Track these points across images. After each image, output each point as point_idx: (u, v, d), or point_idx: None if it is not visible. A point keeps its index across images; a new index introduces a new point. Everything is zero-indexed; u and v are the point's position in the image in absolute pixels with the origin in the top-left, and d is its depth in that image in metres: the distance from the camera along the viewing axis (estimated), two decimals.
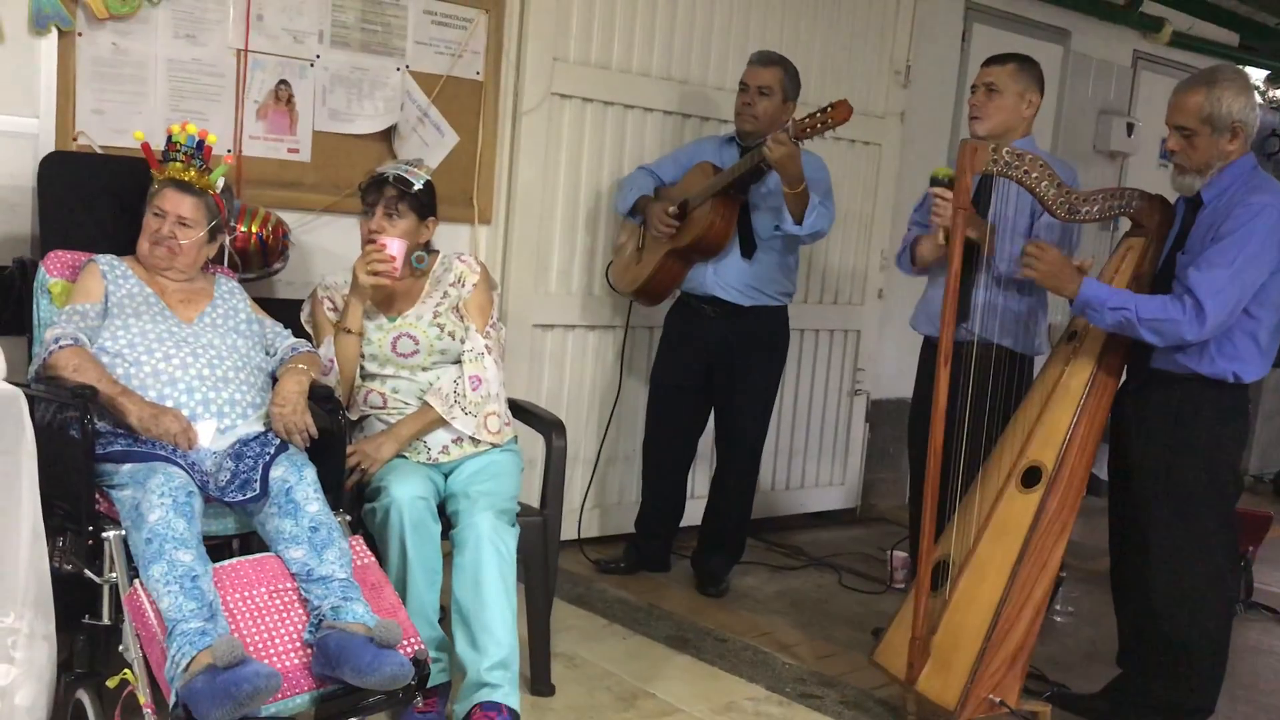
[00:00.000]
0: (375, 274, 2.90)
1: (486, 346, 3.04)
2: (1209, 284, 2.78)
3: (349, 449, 2.86)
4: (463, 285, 3.08)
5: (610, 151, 4.23)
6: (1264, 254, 2.80)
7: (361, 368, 3.04)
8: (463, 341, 3.04)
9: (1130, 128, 6.22)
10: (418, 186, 2.98)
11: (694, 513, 4.34)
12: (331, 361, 2.98)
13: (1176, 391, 2.95)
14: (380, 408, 3.03)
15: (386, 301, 3.04)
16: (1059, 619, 4.05)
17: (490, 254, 4.04)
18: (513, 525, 2.91)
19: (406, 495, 2.79)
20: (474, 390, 3.00)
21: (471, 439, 3.01)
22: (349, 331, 2.99)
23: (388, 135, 3.78)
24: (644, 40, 4.25)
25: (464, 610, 2.79)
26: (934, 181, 3.31)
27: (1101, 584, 3.40)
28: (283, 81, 3.54)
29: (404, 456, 2.99)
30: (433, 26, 3.81)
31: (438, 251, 3.15)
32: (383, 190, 2.98)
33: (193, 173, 2.88)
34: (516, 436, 3.15)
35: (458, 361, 3.03)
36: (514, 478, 3.04)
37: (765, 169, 3.63)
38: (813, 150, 3.96)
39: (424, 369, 3.03)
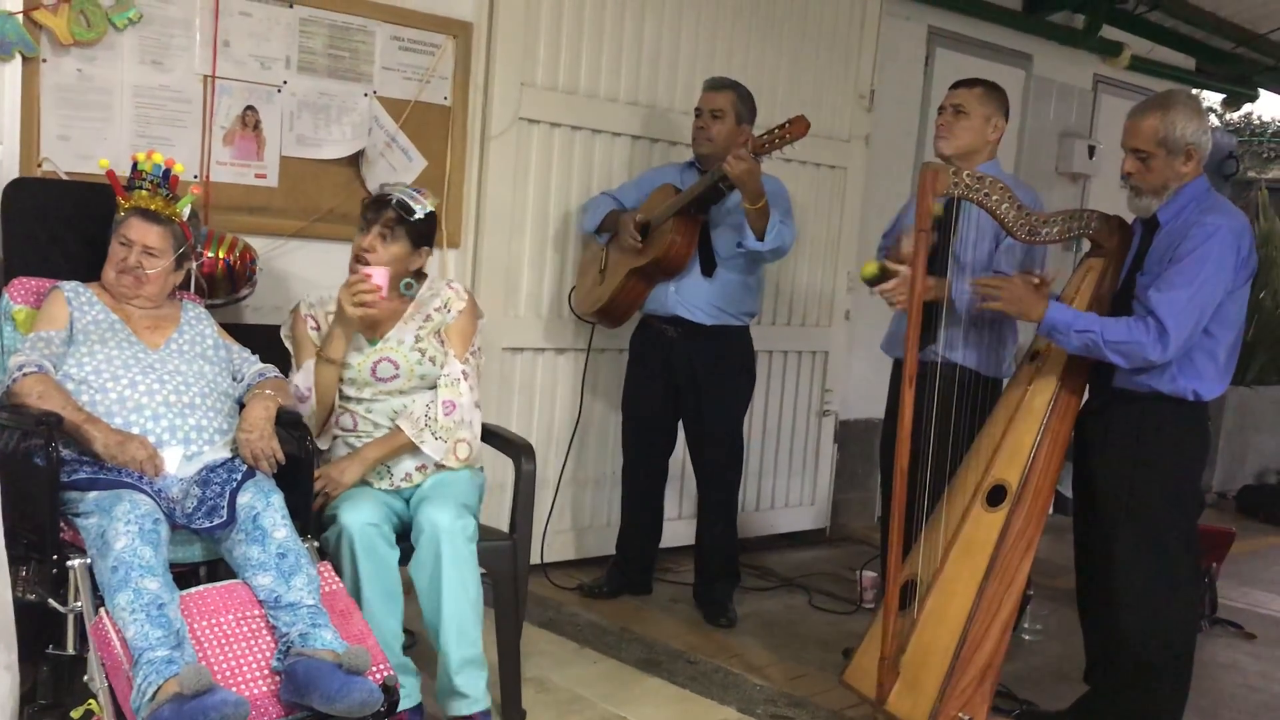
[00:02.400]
0: (361, 304, 2.85)
1: (464, 372, 3.02)
2: (1170, 305, 2.82)
3: (315, 473, 2.85)
4: (448, 311, 3.05)
5: (578, 175, 4.25)
6: (1220, 274, 2.85)
7: (339, 391, 3.01)
8: (442, 366, 3.02)
9: (1091, 150, 6.32)
10: (419, 215, 2.94)
11: (672, 534, 4.35)
12: (309, 390, 2.95)
13: (1138, 409, 2.99)
14: (350, 429, 3.02)
15: (369, 324, 2.99)
16: (1027, 636, 4.08)
17: (459, 277, 4.04)
18: (474, 520, 2.89)
19: (357, 522, 2.77)
20: (446, 415, 2.97)
21: (438, 465, 2.99)
22: (331, 361, 2.94)
23: (355, 160, 3.78)
24: (611, 65, 4.29)
25: (428, 606, 2.81)
26: (866, 281, 3.40)
27: (1069, 601, 3.43)
28: (250, 107, 3.54)
29: (367, 483, 2.98)
30: (400, 52, 3.83)
31: (425, 275, 3.13)
32: (382, 211, 2.93)
33: (159, 201, 2.88)
34: (482, 466, 3.15)
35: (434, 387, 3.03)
36: (474, 490, 3.02)
37: (725, 188, 3.67)
38: (778, 173, 4.00)
39: (401, 392, 3.00)
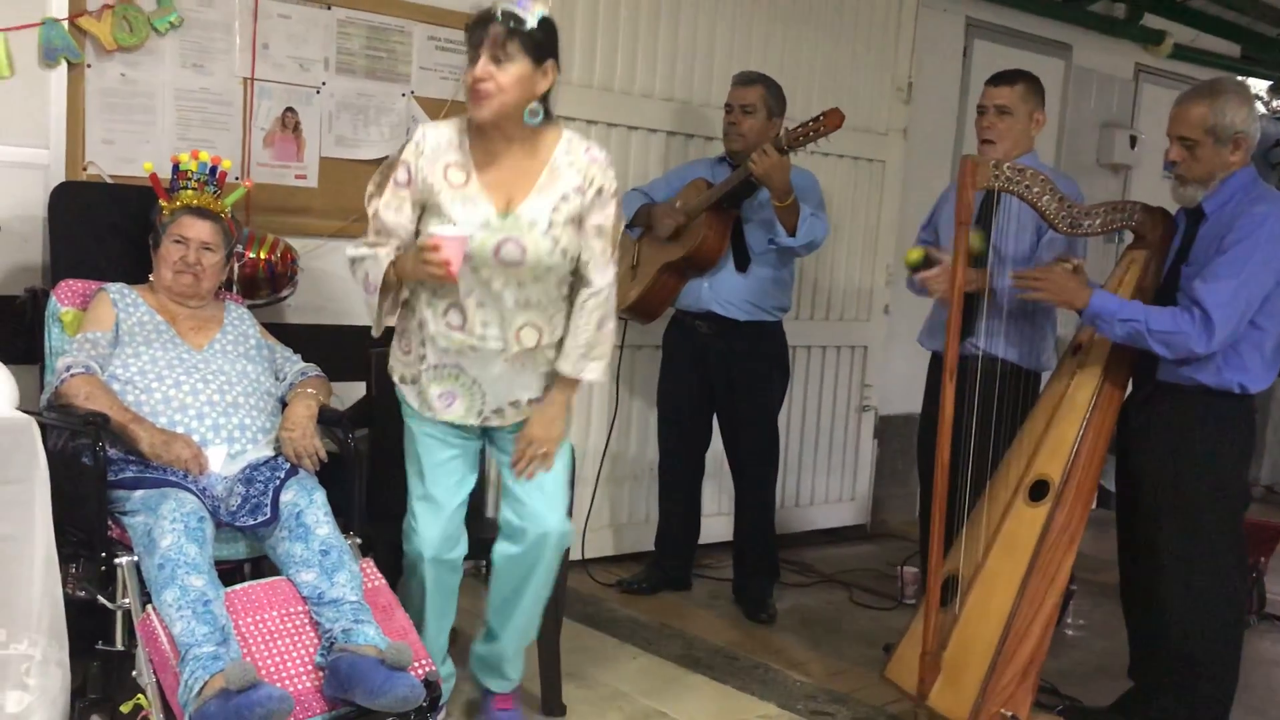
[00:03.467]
0: (431, 276, 2.48)
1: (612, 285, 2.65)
2: (1216, 296, 2.79)
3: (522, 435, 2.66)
4: (590, 191, 2.55)
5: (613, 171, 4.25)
6: (1268, 265, 2.81)
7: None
8: (572, 261, 2.59)
9: (1133, 140, 6.24)
10: (530, 23, 2.42)
11: (710, 529, 4.35)
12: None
13: (1182, 403, 2.95)
14: (458, 328, 2.58)
15: (495, 184, 2.53)
16: (1070, 632, 4.05)
17: None
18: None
19: (432, 548, 2.71)
20: (599, 329, 2.62)
21: (529, 402, 2.68)
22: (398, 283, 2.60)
23: None
24: (645, 61, 4.29)
25: (502, 594, 2.80)
26: (910, 266, 3.38)
27: (1113, 596, 3.39)
28: (289, 109, 3.58)
29: (450, 426, 2.67)
30: (437, 52, 3.85)
31: (554, 116, 2.58)
32: (487, 29, 2.42)
33: (207, 197, 2.92)
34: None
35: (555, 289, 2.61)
36: (569, 463, 2.81)
37: (756, 184, 3.66)
38: (815, 166, 3.98)
39: (519, 283, 2.55)
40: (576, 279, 2.64)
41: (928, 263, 3.32)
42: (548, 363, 2.65)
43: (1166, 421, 2.99)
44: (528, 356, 2.62)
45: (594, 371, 2.64)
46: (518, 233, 2.50)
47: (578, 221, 2.56)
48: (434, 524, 2.71)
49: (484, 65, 2.41)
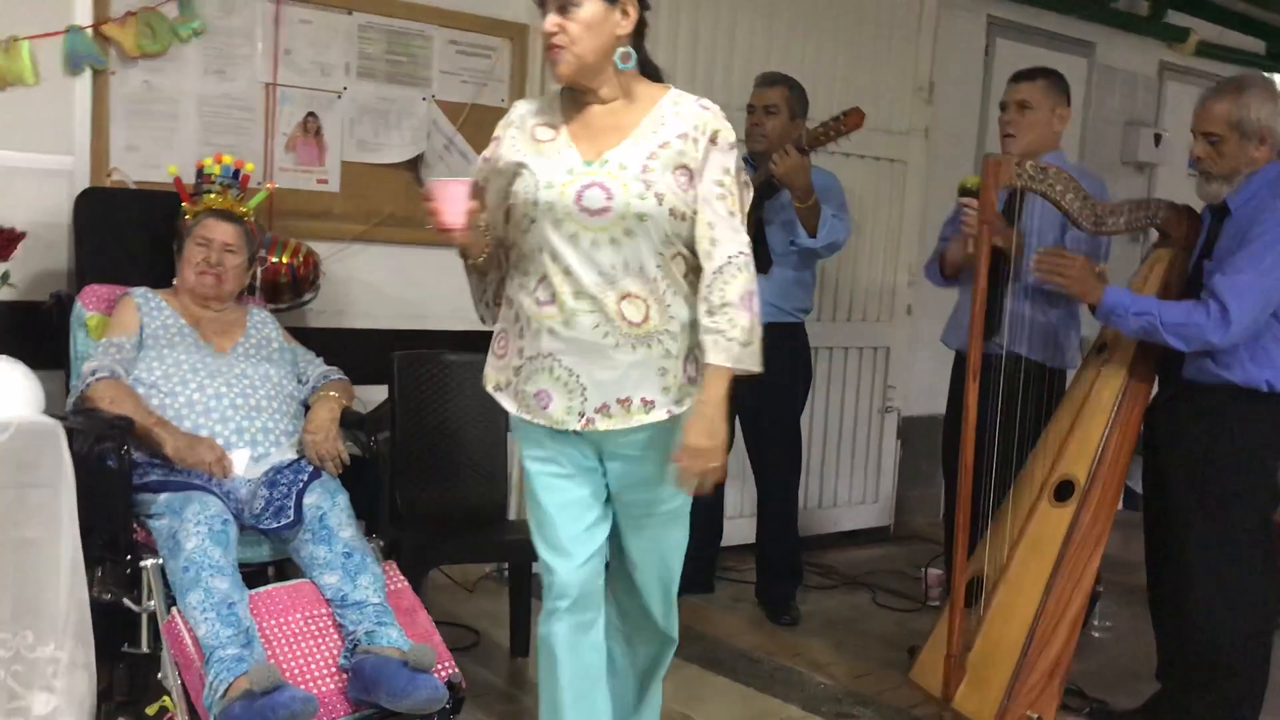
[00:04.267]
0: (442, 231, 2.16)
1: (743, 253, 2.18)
2: (1233, 287, 2.76)
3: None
4: (703, 139, 2.16)
5: None
6: None
7: (528, 228, 2.19)
8: (679, 218, 2.14)
9: (1158, 138, 6.19)
10: None
11: (731, 532, 4.34)
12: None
13: (1208, 401, 2.93)
14: (548, 303, 2.17)
15: (586, 135, 2.19)
16: (1097, 634, 4.01)
17: None
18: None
19: (567, 607, 2.29)
20: (745, 309, 2.16)
21: (644, 404, 2.19)
22: (475, 267, 2.34)
23: (415, 164, 3.82)
24: (667, 63, 4.23)
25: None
26: (963, 192, 3.30)
27: (1140, 598, 3.36)
28: (311, 114, 3.60)
29: (565, 445, 2.24)
30: (457, 56, 3.86)
31: (655, 66, 2.27)
32: None
33: (230, 200, 2.94)
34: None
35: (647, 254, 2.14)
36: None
37: (777, 185, 3.65)
38: (836, 166, 3.97)
39: (613, 240, 2.12)
40: (693, 254, 2.18)
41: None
42: (666, 355, 2.17)
43: (1193, 421, 2.96)
44: (637, 340, 2.15)
45: (750, 361, 2.17)
46: (604, 177, 2.12)
47: (686, 172, 2.14)
48: (570, 575, 2.27)
49: (551, 19, 2.11)
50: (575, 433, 2.20)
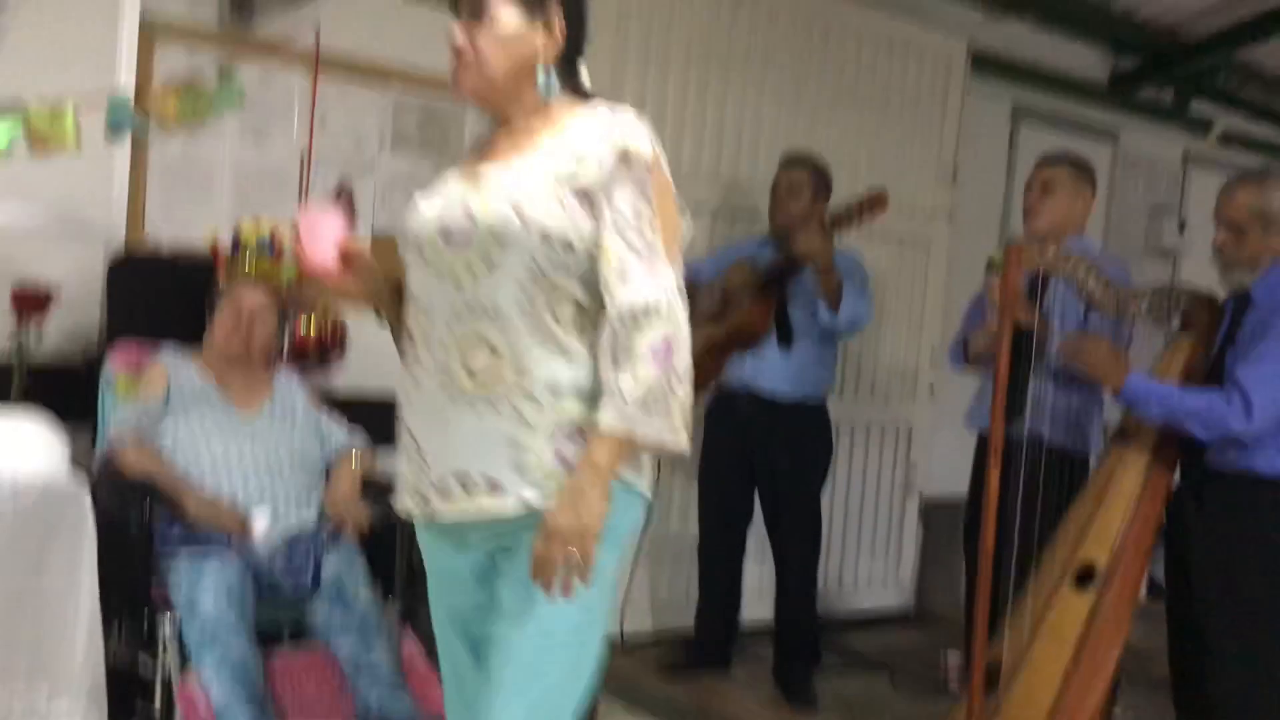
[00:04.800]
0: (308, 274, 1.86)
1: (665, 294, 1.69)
2: (1256, 377, 2.75)
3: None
4: (608, 155, 1.72)
5: None
6: None
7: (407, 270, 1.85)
8: (562, 247, 1.70)
9: (1182, 225, 6.21)
10: None
11: (750, 609, 4.30)
12: None
13: (1232, 490, 2.90)
14: (410, 356, 1.80)
15: (478, 156, 1.86)
16: None
17: None
18: None
19: None
20: (654, 360, 1.66)
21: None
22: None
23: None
24: (693, 142, 4.35)
25: None
26: (990, 267, 3.33)
27: (1164, 689, 3.30)
28: (343, 183, 3.66)
29: (445, 549, 1.85)
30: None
31: (584, 93, 1.85)
32: None
33: (265, 266, 3.00)
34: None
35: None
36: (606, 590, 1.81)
37: (800, 264, 3.68)
38: (861, 247, 4.00)
39: (470, 272, 1.70)
40: (597, 300, 1.72)
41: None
42: (521, 425, 1.68)
43: (1217, 510, 2.93)
44: (479, 400, 1.68)
45: (654, 428, 1.68)
46: (471, 199, 1.73)
47: (585, 196, 1.70)
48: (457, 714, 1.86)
49: (458, 30, 1.76)
50: (442, 529, 1.76)
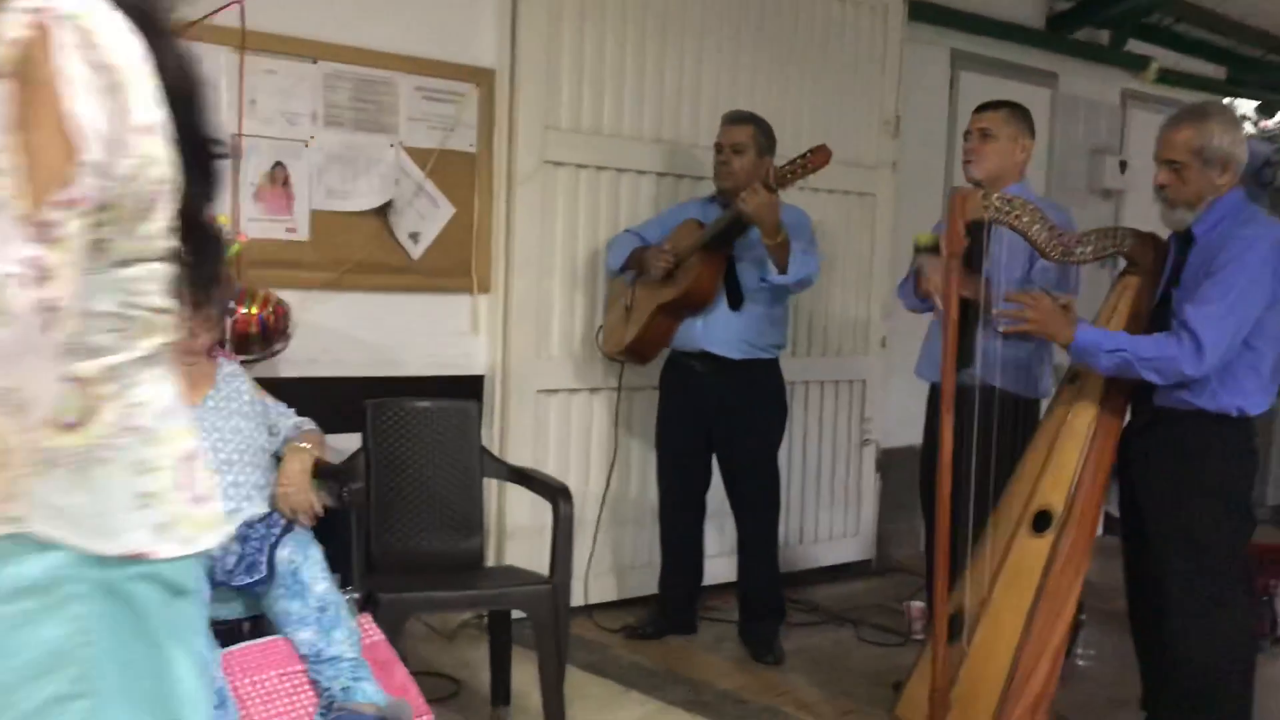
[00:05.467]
0: None
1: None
2: (1204, 318, 2.78)
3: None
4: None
5: (605, 215, 4.26)
6: (1258, 286, 2.80)
7: None
8: None
9: (1123, 165, 6.25)
10: None
11: (713, 570, 4.31)
12: None
13: (1181, 429, 2.93)
14: None
15: None
16: (1081, 662, 4.00)
17: (491, 321, 4.06)
18: None
19: None
20: None
21: None
22: None
23: (384, 210, 3.81)
24: (633, 104, 4.30)
25: None
26: (917, 249, 3.35)
27: (1124, 624, 3.35)
28: (278, 163, 3.59)
29: None
30: (424, 102, 3.86)
31: None
32: None
33: None
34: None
35: None
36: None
37: (746, 223, 3.66)
38: (806, 202, 3.99)
39: None
40: None
41: (938, 249, 3.25)
42: None
43: (1166, 448, 2.97)
44: None
45: None
46: None
47: None
48: None
49: None
50: None
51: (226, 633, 2.57)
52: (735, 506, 4.09)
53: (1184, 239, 2.98)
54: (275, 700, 2.40)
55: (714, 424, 3.97)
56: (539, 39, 4.02)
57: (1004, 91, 4.60)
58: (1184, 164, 2.90)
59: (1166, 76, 6.44)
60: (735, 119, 3.92)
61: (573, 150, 4.15)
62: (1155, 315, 3.01)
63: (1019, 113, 3.50)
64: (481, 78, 3.96)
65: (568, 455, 4.25)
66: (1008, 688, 2.84)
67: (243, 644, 2.50)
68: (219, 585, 2.53)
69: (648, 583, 4.32)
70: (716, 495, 4.17)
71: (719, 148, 3.91)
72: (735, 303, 3.87)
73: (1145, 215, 5.78)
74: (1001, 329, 3.10)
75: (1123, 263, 3.15)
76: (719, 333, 3.87)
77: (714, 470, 4.11)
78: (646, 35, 4.30)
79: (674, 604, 4.17)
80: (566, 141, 4.13)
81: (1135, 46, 6.26)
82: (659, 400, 4.15)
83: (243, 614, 2.65)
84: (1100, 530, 3.04)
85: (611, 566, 4.39)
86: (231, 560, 2.58)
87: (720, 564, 4.41)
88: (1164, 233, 3.08)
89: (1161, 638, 3.02)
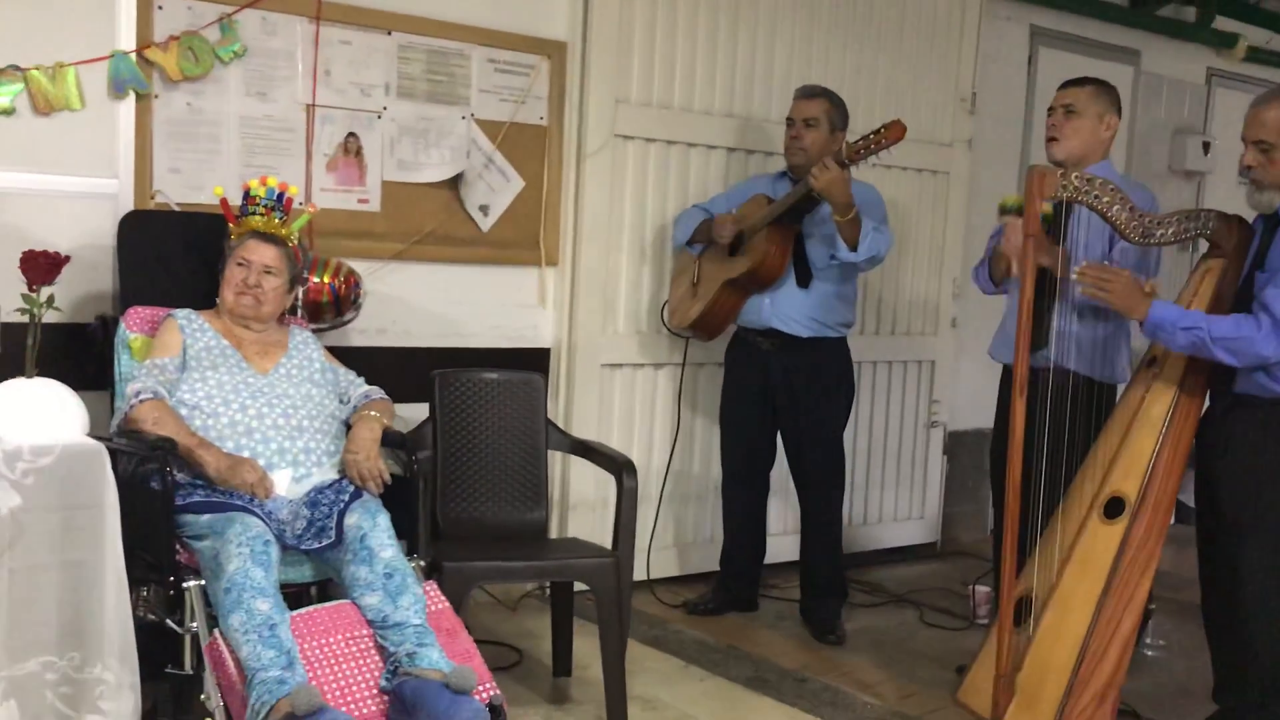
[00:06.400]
0: None
1: None
2: None
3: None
4: None
5: (674, 190, 4.24)
6: None
7: None
8: None
9: (1206, 146, 6.09)
10: None
11: (775, 549, 4.30)
12: None
13: (1261, 415, 2.85)
14: None
15: None
16: (1150, 653, 3.93)
17: (558, 295, 4.07)
18: None
19: None
20: None
21: None
22: None
23: (455, 182, 3.83)
24: (704, 78, 4.27)
25: None
26: (1003, 210, 3.27)
27: (1195, 615, 3.28)
28: (351, 134, 3.62)
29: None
30: (496, 74, 3.87)
31: None
32: None
33: (274, 223, 2.96)
34: None
35: None
36: None
37: (817, 198, 3.62)
38: (877, 179, 3.93)
39: None
40: None
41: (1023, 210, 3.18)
42: None
43: (1246, 434, 2.89)
44: None
45: None
46: None
47: None
48: None
49: None
50: None
51: (295, 596, 2.61)
52: (799, 485, 4.07)
53: (1270, 221, 2.90)
54: (342, 664, 2.43)
55: (779, 402, 3.95)
56: (611, 12, 3.99)
57: (1085, 69, 4.48)
58: (1273, 144, 2.82)
59: (1255, 54, 6.25)
60: (808, 93, 3.88)
61: (643, 124, 4.13)
62: (1238, 299, 2.92)
63: (1106, 89, 3.41)
64: (553, 50, 3.96)
65: (631, 430, 4.25)
66: (1075, 676, 2.80)
67: (311, 607, 2.53)
68: (289, 549, 2.58)
69: (709, 559, 4.32)
70: (780, 473, 4.15)
71: (790, 122, 3.87)
72: (804, 279, 3.83)
73: (1229, 197, 5.66)
74: (1080, 291, 3.02)
75: (1205, 246, 3.07)
76: (787, 309, 3.84)
77: (778, 448, 4.09)
78: (719, 8, 4.26)
79: (735, 581, 4.16)
80: (637, 115, 4.11)
81: (1222, 23, 6.08)
82: (724, 376, 4.14)
83: (311, 578, 2.69)
84: (1173, 519, 2.97)
85: (674, 541, 4.39)
86: (301, 525, 2.61)
87: (783, 542, 4.39)
88: (1249, 215, 3.00)
89: (1235, 629, 2.96)
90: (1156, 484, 2.92)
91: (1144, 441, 2.96)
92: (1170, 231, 2.94)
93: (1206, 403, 3.02)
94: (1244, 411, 2.90)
